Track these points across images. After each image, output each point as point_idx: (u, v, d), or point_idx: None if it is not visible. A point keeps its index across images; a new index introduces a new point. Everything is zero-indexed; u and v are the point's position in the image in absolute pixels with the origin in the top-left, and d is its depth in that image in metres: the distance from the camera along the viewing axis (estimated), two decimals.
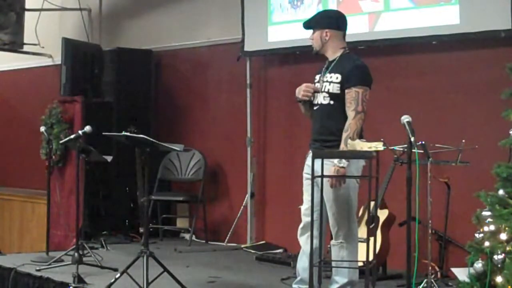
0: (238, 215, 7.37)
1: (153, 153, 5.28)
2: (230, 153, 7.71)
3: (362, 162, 4.59)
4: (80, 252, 5.80)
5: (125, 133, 5.40)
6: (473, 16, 5.65)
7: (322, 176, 4.40)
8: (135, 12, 8.68)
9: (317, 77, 4.79)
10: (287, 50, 6.93)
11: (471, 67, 5.88)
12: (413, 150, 4.11)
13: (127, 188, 7.74)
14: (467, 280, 4.12)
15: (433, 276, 5.03)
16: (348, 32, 4.82)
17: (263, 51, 7.22)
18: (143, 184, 6.37)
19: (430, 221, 4.95)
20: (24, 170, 9.35)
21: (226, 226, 7.51)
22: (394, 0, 6.14)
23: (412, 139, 4.09)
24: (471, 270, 4.10)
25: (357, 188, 4.64)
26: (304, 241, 4.73)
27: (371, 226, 4.82)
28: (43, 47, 8.92)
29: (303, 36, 5.05)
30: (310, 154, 4.63)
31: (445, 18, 5.80)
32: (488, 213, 4.11)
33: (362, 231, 5.13)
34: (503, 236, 4.00)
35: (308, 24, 4.85)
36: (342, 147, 4.49)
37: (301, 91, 4.75)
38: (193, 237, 7.45)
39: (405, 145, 4.22)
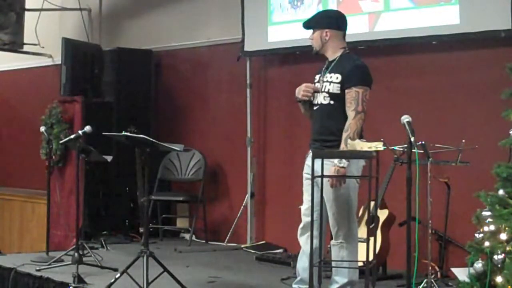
0: (238, 215, 7.37)
1: (153, 153, 5.28)
2: (230, 153, 7.71)
3: (362, 162, 4.59)
4: (80, 252, 5.80)
5: (125, 133, 5.40)
6: (473, 16, 5.65)
7: (322, 176, 4.40)
8: (135, 12, 8.69)
9: (317, 77, 4.79)
10: (287, 50, 6.93)
11: (471, 67, 5.88)
12: (413, 150, 4.11)
13: (127, 188, 7.74)
14: (467, 280, 4.12)
15: (433, 276, 5.03)
16: (348, 32, 4.82)
17: (263, 51, 7.22)
18: (143, 184, 6.36)
19: (430, 221, 4.95)
20: (24, 170, 9.35)
21: (226, 226, 7.51)
22: (394, 0, 6.15)
23: (412, 139, 4.10)
24: (471, 270, 4.10)
25: (357, 188, 4.64)
26: (304, 241, 4.73)
27: (371, 226, 4.82)
28: (43, 47, 8.92)
29: (303, 36, 5.05)
30: (310, 154, 4.63)
31: (445, 18, 5.80)
32: (488, 213, 4.12)
33: (362, 231, 5.13)
34: (503, 236, 4.00)
35: (308, 24, 4.85)
36: (342, 147, 4.49)
37: (301, 91, 4.75)
38: (193, 237, 7.45)
39: (405, 145, 4.22)
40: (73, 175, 6.93)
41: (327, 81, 4.67)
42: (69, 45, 7.71)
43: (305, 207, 4.74)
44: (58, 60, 8.06)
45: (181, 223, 7.95)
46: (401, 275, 5.43)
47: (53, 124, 7.59)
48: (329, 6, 6.53)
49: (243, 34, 7.22)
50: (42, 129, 6.70)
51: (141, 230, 7.17)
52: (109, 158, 6.40)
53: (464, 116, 5.90)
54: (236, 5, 7.26)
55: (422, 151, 4.57)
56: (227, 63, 7.65)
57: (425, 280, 4.91)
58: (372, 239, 4.44)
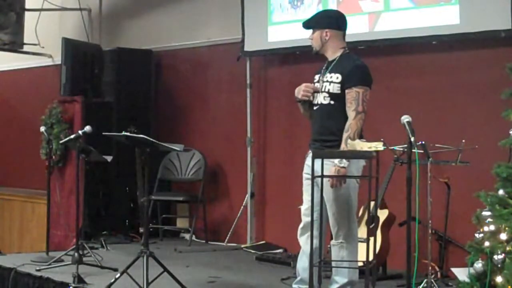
0: (238, 215, 7.37)
1: (153, 153, 5.28)
2: (230, 153, 7.71)
3: (362, 162, 4.59)
4: (80, 252, 5.80)
5: (125, 133, 5.40)
6: (473, 16, 5.65)
7: (322, 176, 4.40)
8: (135, 12, 8.69)
9: (317, 77, 4.79)
10: (287, 50, 6.93)
11: (471, 67, 5.88)
12: (413, 150, 4.11)
13: (127, 188, 7.74)
14: (467, 280, 4.13)
15: (433, 276, 5.03)
16: (348, 32, 4.81)
17: (263, 51, 7.22)
18: (143, 184, 6.35)
19: (430, 221, 4.95)
20: (24, 170, 9.35)
21: (226, 226, 7.51)
22: (394, 0, 6.15)
23: (412, 139, 4.09)
24: (471, 270, 4.11)
25: (357, 188, 4.64)
26: (304, 241, 4.73)
27: (371, 226, 4.82)
28: (43, 47, 8.92)
29: (303, 36, 5.04)
30: (310, 154, 4.63)
31: (445, 18, 5.80)
32: (488, 213, 4.12)
33: (362, 231, 5.13)
34: (503, 236, 4.00)
35: (307, 24, 4.85)
36: (343, 147, 4.49)
37: (300, 91, 4.75)
38: (193, 237, 7.45)
39: (405, 145, 4.22)
40: (73, 175, 6.93)
41: (327, 81, 4.67)
42: (69, 45, 7.71)
43: (305, 207, 4.74)
44: (58, 60, 8.06)
45: (181, 223, 7.95)
46: (401, 275, 5.43)
47: (53, 124, 7.59)
48: (329, 6, 6.53)
49: (243, 34, 7.21)
50: (42, 129, 6.70)
51: (141, 230, 7.16)
52: (109, 158, 6.40)
53: (464, 116, 5.90)
54: (236, 5, 7.25)
55: (422, 151, 4.57)
56: (227, 63, 7.65)
57: (425, 280, 4.91)
58: (372, 239, 4.44)
